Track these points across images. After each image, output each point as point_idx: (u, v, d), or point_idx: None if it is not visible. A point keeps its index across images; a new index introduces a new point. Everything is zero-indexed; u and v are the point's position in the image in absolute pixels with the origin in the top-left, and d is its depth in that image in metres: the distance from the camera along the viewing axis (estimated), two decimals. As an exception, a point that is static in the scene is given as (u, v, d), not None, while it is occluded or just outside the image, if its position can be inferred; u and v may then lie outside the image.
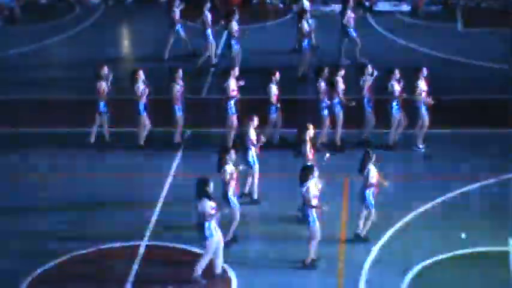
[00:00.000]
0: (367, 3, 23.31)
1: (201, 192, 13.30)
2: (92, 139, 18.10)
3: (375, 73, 17.33)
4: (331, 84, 17.14)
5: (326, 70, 17.31)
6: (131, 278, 13.84)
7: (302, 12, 21.13)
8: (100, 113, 17.92)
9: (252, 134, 15.54)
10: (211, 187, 13.34)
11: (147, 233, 15.05)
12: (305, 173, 13.64)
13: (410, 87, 17.12)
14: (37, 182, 16.91)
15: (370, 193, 14.24)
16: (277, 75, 17.34)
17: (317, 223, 13.64)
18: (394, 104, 17.10)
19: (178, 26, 21.61)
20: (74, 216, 15.69)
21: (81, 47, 23.65)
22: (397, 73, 17.03)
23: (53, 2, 27.12)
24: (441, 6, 25.58)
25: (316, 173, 13.66)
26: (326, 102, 17.21)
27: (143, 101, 17.59)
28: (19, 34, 24.68)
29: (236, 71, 17.69)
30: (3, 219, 15.63)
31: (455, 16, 24.87)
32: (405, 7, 25.50)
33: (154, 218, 15.54)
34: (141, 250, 14.59)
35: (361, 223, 14.46)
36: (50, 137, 18.63)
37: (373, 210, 14.34)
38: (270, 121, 17.43)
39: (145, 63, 20.62)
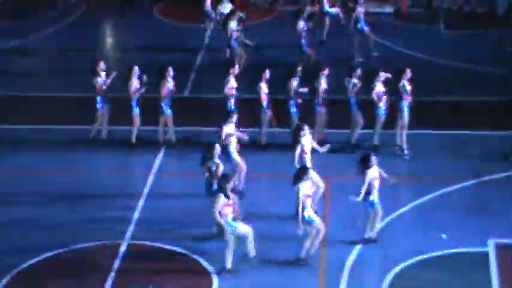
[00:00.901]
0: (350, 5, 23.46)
1: (221, 188, 13.43)
2: (92, 135, 18.08)
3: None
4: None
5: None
6: (112, 275, 13.81)
7: (299, 11, 21.23)
8: (97, 109, 17.82)
9: (230, 129, 15.64)
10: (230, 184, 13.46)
11: (129, 231, 15.05)
12: (298, 174, 13.77)
13: (394, 88, 17.19)
14: (20, 178, 16.82)
15: (373, 195, 14.23)
16: (267, 72, 17.44)
17: (316, 220, 13.75)
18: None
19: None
20: (55, 214, 15.64)
21: (63, 43, 23.63)
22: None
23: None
24: (424, 9, 25.74)
25: (310, 174, 13.80)
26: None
27: (136, 97, 17.58)
28: (1, 30, 24.60)
29: (236, 70, 17.73)
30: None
31: (438, 18, 25.02)
32: (388, 9, 25.67)
33: (136, 216, 15.54)
34: (123, 248, 14.57)
35: (368, 226, 14.50)
36: (29, 134, 18.58)
37: (378, 209, 14.35)
38: (262, 120, 17.55)
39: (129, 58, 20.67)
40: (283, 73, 17.66)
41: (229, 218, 13.50)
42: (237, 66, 17.97)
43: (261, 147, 17.57)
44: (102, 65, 17.85)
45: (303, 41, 20.98)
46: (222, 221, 13.47)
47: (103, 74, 17.76)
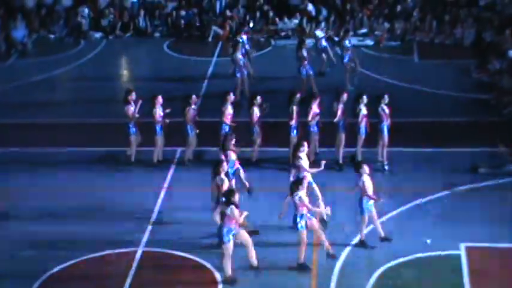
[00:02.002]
0: (336, 38, 23.41)
1: (228, 201, 13.24)
2: (132, 158, 17.81)
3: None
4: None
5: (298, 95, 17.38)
6: (129, 282, 13.68)
7: (301, 42, 21.09)
8: (130, 134, 17.62)
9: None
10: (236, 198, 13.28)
11: (144, 240, 14.92)
12: (295, 185, 13.63)
13: (374, 111, 17.14)
14: (43, 194, 16.68)
15: (366, 201, 14.17)
16: (259, 99, 17.36)
17: (305, 231, 13.61)
18: (385, 125, 16.98)
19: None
20: (76, 226, 15.48)
21: (85, 76, 23.56)
22: (386, 98, 16.95)
23: (60, 37, 27.08)
24: (400, 42, 25.75)
25: (305, 185, 13.72)
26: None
27: (159, 123, 17.43)
28: (30, 66, 24.53)
29: (232, 97, 17.59)
30: (13, 228, 15.48)
31: (412, 49, 25.01)
32: (369, 41, 25.66)
33: (150, 227, 15.42)
34: (138, 256, 14.44)
35: (363, 231, 14.40)
36: (54, 156, 18.42)
37: (366, 216, 14.26)
38: (254, 141, 17.41)
39: (142, 87, 20.55)
40: (283, 99, 17.52)
41: (230, 228, 13.24)
42: (232, 94, 17.76)
43: (253, 164, 17.37)
44: (133, 95, 17.64)
45: (303, 69, 20.77)
46: (225, 230, 13.24)
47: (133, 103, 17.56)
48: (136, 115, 17.47)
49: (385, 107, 17.02)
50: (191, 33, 26.74)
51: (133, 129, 17.61)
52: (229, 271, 13.49)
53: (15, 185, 17.13)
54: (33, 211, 16.04)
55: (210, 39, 26.32)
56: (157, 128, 17.53)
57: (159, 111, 17.41)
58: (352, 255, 14.29)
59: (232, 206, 13.16)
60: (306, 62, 20.72)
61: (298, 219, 13.62)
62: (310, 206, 13.67)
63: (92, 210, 16.00)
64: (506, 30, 23.97)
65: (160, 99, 17.47)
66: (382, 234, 14.57)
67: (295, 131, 17.31)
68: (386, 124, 17.05)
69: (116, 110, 18.87)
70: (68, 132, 19.80)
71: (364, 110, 17.04)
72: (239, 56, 20.91)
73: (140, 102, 17.59)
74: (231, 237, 13.26)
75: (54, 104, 21.67)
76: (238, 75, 20.92)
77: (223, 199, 13.49)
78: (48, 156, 18.46)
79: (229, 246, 13.28)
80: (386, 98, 17.05)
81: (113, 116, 19.33)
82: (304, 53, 20.76)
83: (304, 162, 15.04)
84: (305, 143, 15.30)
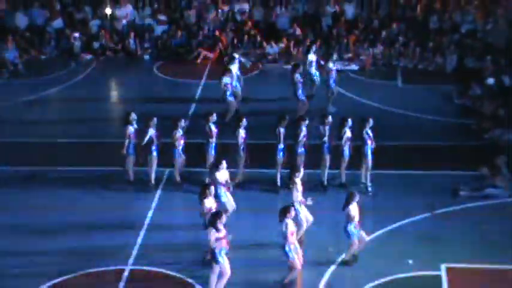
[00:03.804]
0: (322, 62, 23.67)
1: (211, 223, 13.28)
2: (131, 177, 17.77)
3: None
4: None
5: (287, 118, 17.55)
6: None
7: (295, 66, 21.31)
8: (128, 154, 17.59)
9: (221, 176, 15.58)
10: (222, 220, 13.27)
11: (131, 258, 14.95)
12: (284, 211, 13.64)
13: (358, 134, 17.32)
14: (37, 212, 16.71)
15: (351, 227, 14.29)
16: (244, 121, 17.49)
17: (295, 256, 13.66)
18: (369, 148, 17.11)
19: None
20: (63, 243, 15.50)
21: (75, 97, 23.66)
22: (370, 121, 17.09)
23: (51, 58, 27.17)
24: (384, 67, 26.03)
25: (292, 212, 13.71)
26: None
27: (154, 144, 17.42)
28: (22, 86, 24.63)
29: (214, 117, 17.61)
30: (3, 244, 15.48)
31: (396, 75, 25.28)
32: (354, 66, 25.93)
33: (138, 243, 15.44)
34: (126, 274, 14.46)
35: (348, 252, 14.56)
36: (43, 174, 18.39)
37: (355, 240, 14.39)
38: (238, 161, 17.48)
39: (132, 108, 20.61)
40: (270, 121, 17.59)
41: (221, 250, 13.31)
42: (214, 114, 17.74)
43: (237, 185, 17.26)
44: (133, 115, 17.70)
45: (299, 91, 20.96)
46: (216, 251, 13.30)
47: (134, 123, 17.57)
48: (134, 134, 17.44)
49: (369, 131, 17.21)
50: (180, 56, 26.92)
51: (132, 150, 17.59)
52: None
53: (3, 203, 17.11)
54: (21, 227, 16.03)
55: (198, 61, 26.54)
56: (153, 148, 17.46)
57: (151, 133, 17.41)
58: (336, 275, 14.37)
59: (211, 228, 13.21)
60: (300, 85, 20.90)
61: (287, 248, 13.65)
62: (294, 231, 13.70)
63: (81, 227, 16.02)
64: (487, 57, 24.32)
65: (155, 120, 17.48)
66: (346, 257, 14.62)
67: (281, 153, 17.44)
68: (370, 147, 17.22)
69: (105, 129, 18.96)
70: (58, 151, 19.83)
71: (348, 133, 17.21)
72: (228, 79, 20.99)
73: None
74: (224, 256, 13.32)
75: (45, 123, 21.71)
76: (230, 98, 20.99)
77: (210, 221, 13.52)
78: (37, 174, 18.47)
79: (222, 265, 13.31)
80: (371, 122, 17.23)
81: (103, 136, 19.42)
82: (299, 77, 20.97)
83: (299, 186, 15.10)
84: (301, 169, 15.33)
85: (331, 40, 27.01)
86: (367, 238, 14.74)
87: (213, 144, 17.54)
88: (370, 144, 17.20)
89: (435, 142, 19.98)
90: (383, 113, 21.68)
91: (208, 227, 13.43)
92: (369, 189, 17.41)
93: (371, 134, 17.22)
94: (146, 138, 17.32)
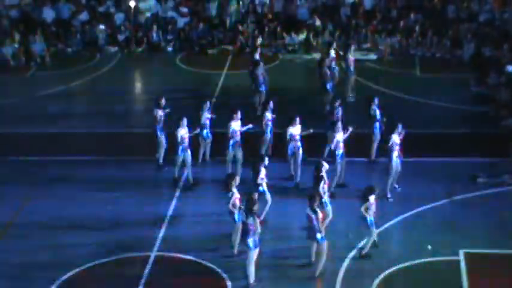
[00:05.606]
0: (341, 53, 23.52)
1: (248, 209, 13.36)
2: (160, 160, 17.87)
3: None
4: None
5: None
6: (142, 283, 13.86)
7: (322, 60, 21.32)
8: (157, 137, 17.69)
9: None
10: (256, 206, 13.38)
11: (157, 245, 15.05)
12: (314, 201, 13.63)
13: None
14: (66, 200, 16.80)
15: (371, 217, 14.22)
16: (239, 113, 17.26)
17: (325, 242, 13.68)
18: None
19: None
20: (93, 231, 15.62)
21: (101, 88, 23.79)
22: (400, 127, 16.50)
23: (77, 50, 27.33)
24: (402, 56, 25.88)
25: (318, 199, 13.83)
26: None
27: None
28: (49, 78, 24.79)
29: (239, 114, 17.36)
30: (35, 234, 15.60)
31: (414, 64, 25.12)
32: (372, 56, 25.81)
33: (163, 232, 15.53)
34: (151, 259, 14.59)
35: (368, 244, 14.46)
36: (69, 165, 18.46)
37: (373, 230, 14.34)
38: (263, 141, 17.73)
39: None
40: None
41: (250, 237, 13.38)
42: (239, 112, 17.44)
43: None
44: (163, 100, 17.87)
45: (329, 84, 20.78)
46: (249, 239, 13.37)
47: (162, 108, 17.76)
48: (162, 118, 17.54)
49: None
50: (203, 48, 26.93)
51: (160, 132, 17.67)
52: (252, 278, 13.54)
53: (35, 193, 17.20)
54: (49, 219, 16.10)
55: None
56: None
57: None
58: (356, 261, 14.38)
59: (254, 215, 13.29)
60: (329, 78, 20.80)
61: (319, 236, 13.66)
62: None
63: (104, 218, 16.09)
64: (504, 45, 24.10)
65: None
66: (365, 250, 14.53)
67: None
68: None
69: (130, 120, 19.01)
70: (83, 142, 19.95)
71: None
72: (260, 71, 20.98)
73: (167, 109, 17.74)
74: (251, 245, 13.36)
75: (71, 115, 21.84)
76: (262, 89, 20.95)
77: (244, 209, 13.58)
78: (63, 165, 18.53)
79: (255, 252, 13.41)
80: (399, 128, 16.50)
81: (129, 126, 19.52)
82: (327, 70, 20.88)
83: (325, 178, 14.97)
84: (325, 162, 15.15)
85: (350, 30, 26.89)
86: (386, 225, 14.71)
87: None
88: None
89: (453, 130, 19.88)
90: (402, 102, 21.58)
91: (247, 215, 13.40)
92: (389, 195, 16.53)
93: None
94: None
